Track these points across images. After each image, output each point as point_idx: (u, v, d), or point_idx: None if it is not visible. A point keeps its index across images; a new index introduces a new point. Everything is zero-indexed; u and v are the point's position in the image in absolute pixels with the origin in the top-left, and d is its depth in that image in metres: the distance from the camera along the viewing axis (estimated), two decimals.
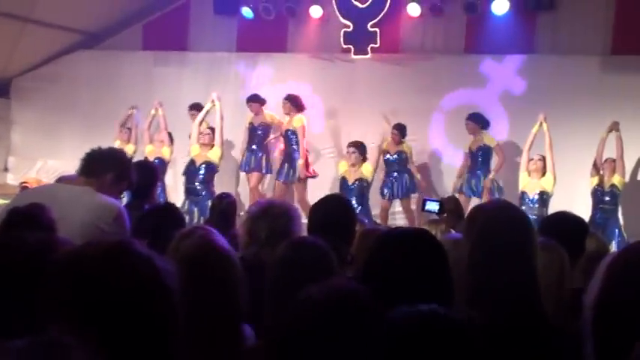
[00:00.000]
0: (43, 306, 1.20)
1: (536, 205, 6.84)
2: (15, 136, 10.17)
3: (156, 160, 7.61)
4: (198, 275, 1.79)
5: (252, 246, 2.68)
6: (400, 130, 8.08)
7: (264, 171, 8.50)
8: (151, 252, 1.25)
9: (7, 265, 1.59)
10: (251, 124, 8.52)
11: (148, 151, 8.16)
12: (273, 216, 2.66)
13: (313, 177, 8.29)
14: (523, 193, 6.99)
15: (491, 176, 7.71)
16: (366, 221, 6.61)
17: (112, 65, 9.63)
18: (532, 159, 7.04)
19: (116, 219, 2.78)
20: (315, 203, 2.87)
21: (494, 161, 7.85)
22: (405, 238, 1.81)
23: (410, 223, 8.05)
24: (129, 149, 7.93)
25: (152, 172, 3.95)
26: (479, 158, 7.81)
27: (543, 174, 6.97)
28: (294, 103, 8.14)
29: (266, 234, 2.62)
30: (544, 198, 6.91)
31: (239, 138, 8.80)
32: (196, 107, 8.28)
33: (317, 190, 8.11)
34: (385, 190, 8.13)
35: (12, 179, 9.81)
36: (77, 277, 1.17)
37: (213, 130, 7.78)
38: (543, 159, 7.00)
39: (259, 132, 8.51)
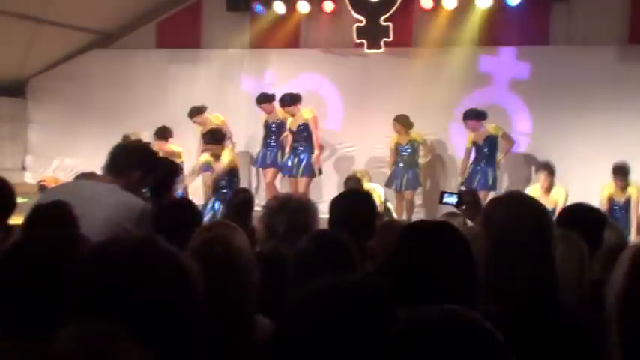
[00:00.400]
0: (69, 302, 1.21)
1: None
2: (32, 136, 10.27)
3: None
4: (205, 268, 1.80)
5: (271, 240, 2.69)
6: (399, 121, 7.99)
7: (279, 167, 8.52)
8: (176, 249, 1.25)
9: (29, 262, 1.61)
10: (266, 121, 8.56)
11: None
12: (291, 210, 2.66)
13: (319, 173, 8.25)
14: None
15: (499, 158, 7.71)
16: None
17: (127, 64, 9.68)
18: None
19: (140, 218, 2.78)
20: (336, 198, 2.86)
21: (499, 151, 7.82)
22: (429, 231, 1.81)
23: (408, 216, 7.97)
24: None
25: (171, 168, 3.97)
26: (485, 150, 7.74)
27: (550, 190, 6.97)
28: (290, 101, 8.03)
29: (284, 228, 2.63)
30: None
31: (255, 134, 8.82)
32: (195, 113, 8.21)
33: (329, 188, 8.13)
34: (394, 182, 8.06)
35: (30, 178, 9.90)
36: (104, 274, 1.18)
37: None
38: (549, 176, 6.94)
39: (273, 129, 8.53)
